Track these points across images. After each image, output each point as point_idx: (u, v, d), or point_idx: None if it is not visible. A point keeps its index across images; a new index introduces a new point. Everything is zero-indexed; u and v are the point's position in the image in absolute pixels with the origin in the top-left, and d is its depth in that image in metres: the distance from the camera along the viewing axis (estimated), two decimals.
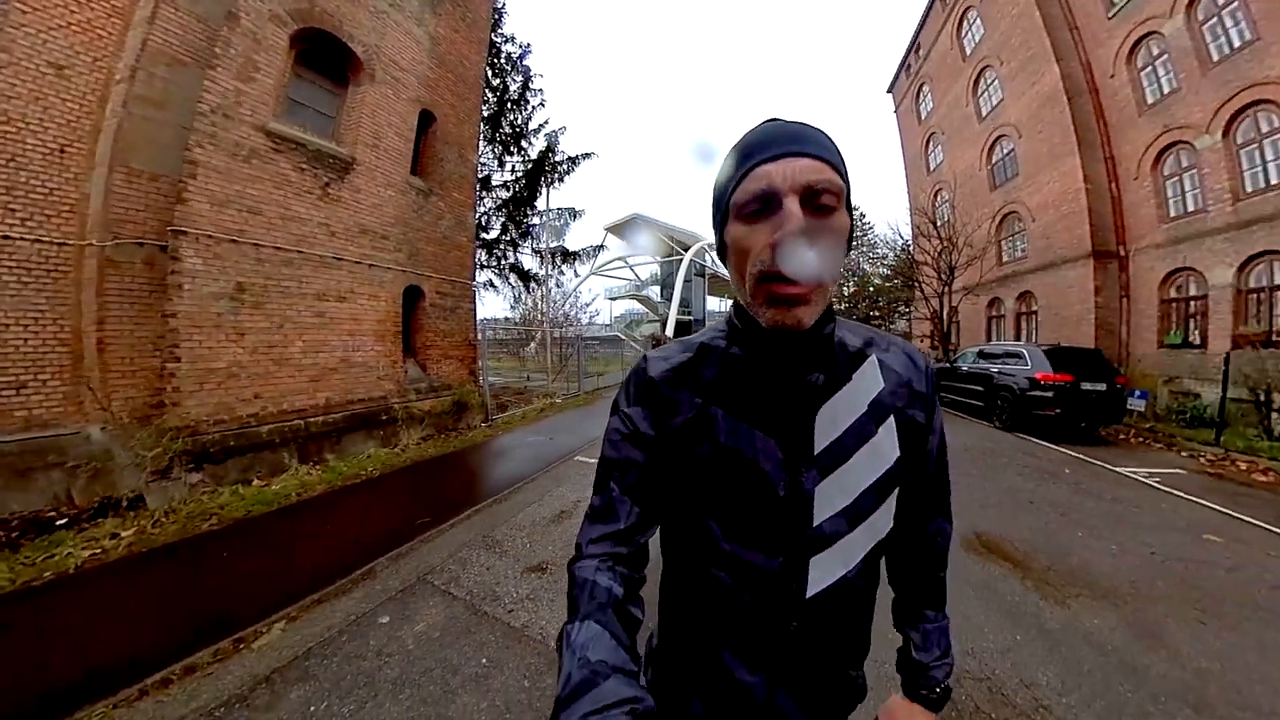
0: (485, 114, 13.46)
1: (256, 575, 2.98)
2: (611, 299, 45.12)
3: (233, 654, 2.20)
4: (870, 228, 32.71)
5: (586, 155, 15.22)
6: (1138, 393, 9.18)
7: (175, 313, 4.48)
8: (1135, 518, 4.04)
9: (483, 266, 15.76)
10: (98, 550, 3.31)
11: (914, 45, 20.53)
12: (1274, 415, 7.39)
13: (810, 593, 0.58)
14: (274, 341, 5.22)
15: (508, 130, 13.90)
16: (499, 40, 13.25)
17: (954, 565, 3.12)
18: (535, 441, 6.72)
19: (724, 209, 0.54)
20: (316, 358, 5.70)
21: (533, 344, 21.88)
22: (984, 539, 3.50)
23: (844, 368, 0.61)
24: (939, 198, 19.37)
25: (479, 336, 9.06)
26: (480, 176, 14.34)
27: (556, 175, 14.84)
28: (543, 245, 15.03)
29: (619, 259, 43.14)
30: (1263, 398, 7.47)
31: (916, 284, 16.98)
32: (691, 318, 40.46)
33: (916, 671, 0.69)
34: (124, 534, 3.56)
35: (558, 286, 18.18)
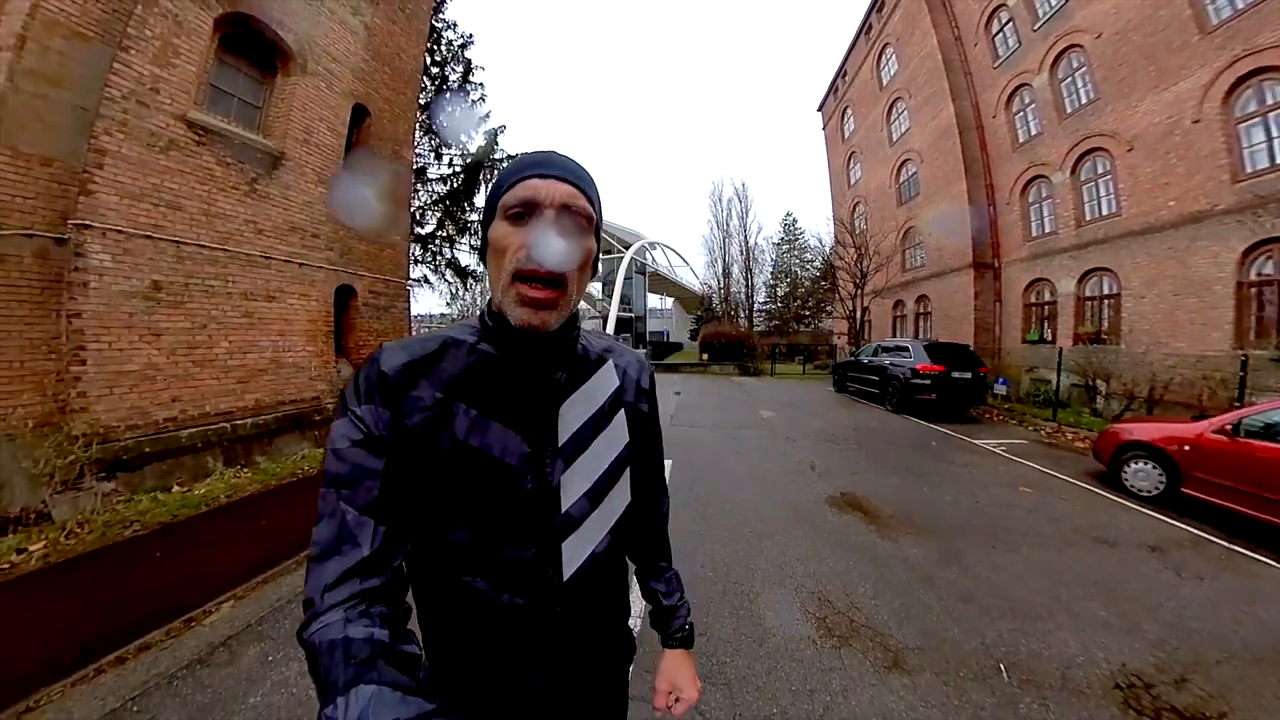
0: (422, 102, 13.04)
1: (196, 569, 3.01)
2: None
3: (185, 631, 2.34)
4: (801, 233, 35.45)
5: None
6: (1000, 380, 11.26)
7: (80, 312, 4.18)
8: (974, 476, 5.09)
9: (418, 262, 15.21)
10: (3, 566, 3.13)
11: (841, 71, 22.43)
12: (1097, 397, 9.28)
13: (567, 575, 0.61)
14: (196, 342, 4.97)
15: (446, 121, 13.54)
16: (440, 26, 12.88)
17: (815, 517, 3.84)
18: None
19: (492, 210, 0.59)
20: (244, 359, 5.47)
21: None
22: (847, 497, 4.35)
23: (587, 368, 0.67)
24: (857, 210, 21.45)
25: (413, 335, 8.90)
26: (416, 168, 13.84)
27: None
28: (480, 241, 14.88)
29: None
30: (1090, 383, 9.34)
31: (834, 287, 19.02)
32: (632, 314, 41.37)
33: (669, 616, 0.80)
34: (32, 548, 3.37)
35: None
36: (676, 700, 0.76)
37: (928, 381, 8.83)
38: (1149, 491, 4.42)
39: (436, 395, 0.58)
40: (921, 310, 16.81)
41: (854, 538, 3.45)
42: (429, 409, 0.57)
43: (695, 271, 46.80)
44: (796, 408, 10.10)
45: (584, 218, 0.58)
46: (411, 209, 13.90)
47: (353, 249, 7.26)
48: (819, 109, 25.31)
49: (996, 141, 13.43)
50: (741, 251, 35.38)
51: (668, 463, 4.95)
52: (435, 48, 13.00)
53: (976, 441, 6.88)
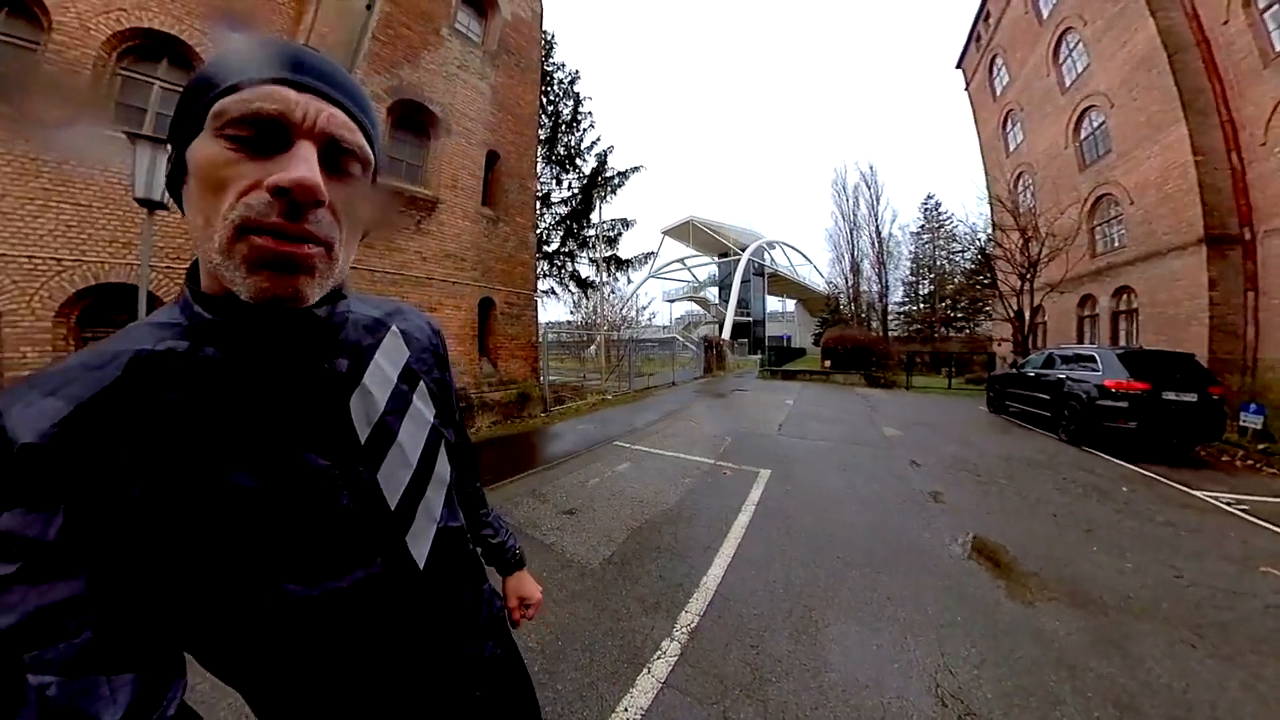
0: (542, 137, 14.73)
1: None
2: (670, 301, 46.18)
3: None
4: (947, 218, 30.16)
5: (635, 169, 16.17)
6: (1252, 407, 7.56)
7: None
8: (1179, 542, 3.55)
9: (545, 276, 17.18)
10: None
11: (982, 12, 18.79)
12: None
13: (421, 565, 0.54)
14: None
15: (563, 151, 15.13)
16: (550, 69, 14.50)
17: (923, 554, 3.35)
18: (584, 429, 7.57)
19: (193, 115, 0.39)
20: None
21: (593, 346, 23.01)
22: (975, 540, 3.43)
23: (367, 346, 0.54)
24: (1020, 182, 17.69)
25: (540, 339, 10.11)
26: (541, 194, 15.72)
27: (610, 188, 15.87)
28: (597, 255, 16.11)
29: (677, 261, 43.91)
30: None
31: (993, 282, 15.67)
32: (750, 318, 40.03)
33: (501, 550, 0.87)
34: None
35: (612, 292, 19.22)
36: (528, 607, 0.87)
37: (1122, 404, 6.40)
38: None
39: (153, 451, 0.38)
40: (1122, 308, 13.00)
41: (971, 589, 2.72)
42: (146, 476, 0.37)
43: (819, 270, 43.57)
44: (931, 428, 8.31)
45: (358, 161, 0.43)
46: (538, 230, 15.89)
47: (491, 268, 8.68)
48: (958, 66, 21.29)
49: (1233, 59, 9.68)
50: (872, 244, 31.47)
51: (764, 472, 4.91)
52: (549, 89, 14.63)
53: (1197, 493, 4.84)
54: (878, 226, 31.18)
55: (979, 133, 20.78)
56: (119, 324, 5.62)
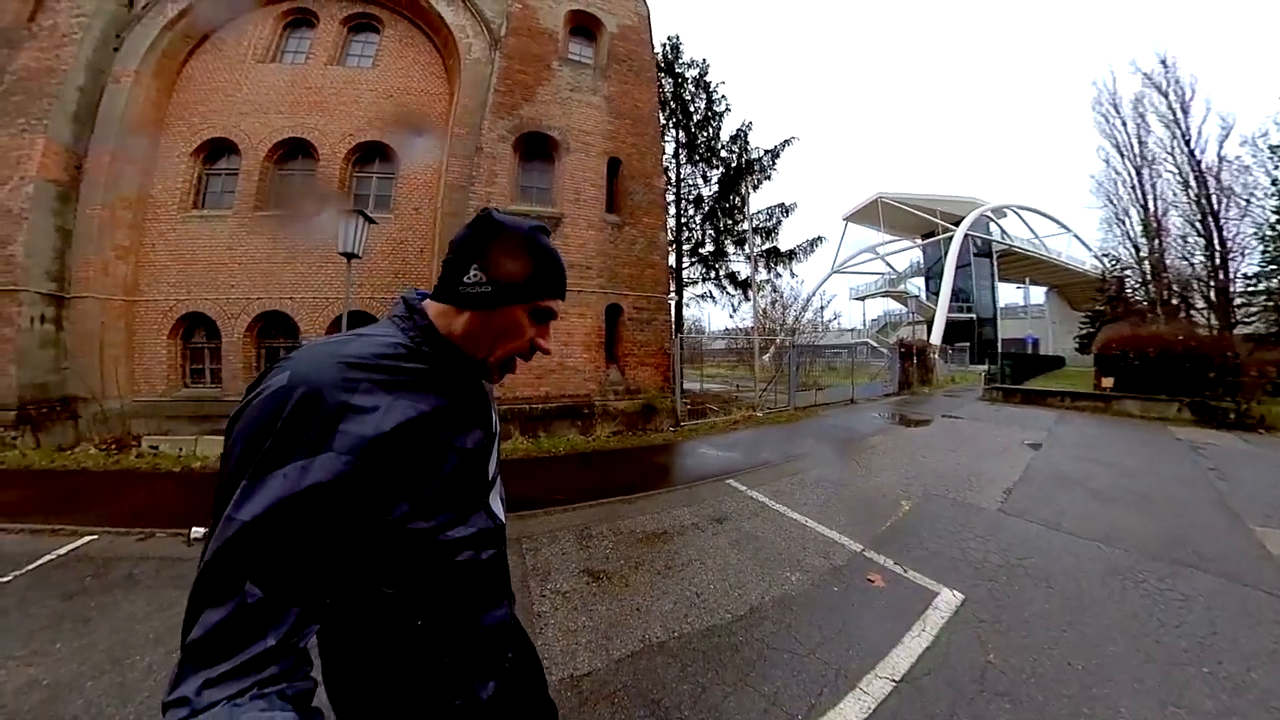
0: (682, 139, 14.56)
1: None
2: (859, 299, 39.51)
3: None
4: None
5: (786, 143, 14.36)
6: None
7: None
8: None
9: (703, 280, 16.91)
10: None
11: None
12: None
13: (502, 520, 0.79)
14: None
15: (703, 149, 14.70)
16: (681, 68, 14.18)
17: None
18: (705, 453, 6.60)
19: (527, 294, 0.68)
20: (541, 362, 7.76)
21: (768, 353, 21.24)
22: None
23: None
24: None
25: (675, 345, 9.71)
26: (691, 197, 15.60)
27: (760, 172, 14.51)
28: (752, 250, 14.90)
29: (866, 251, 37.87)
30: None
31: None
32: (973, 315, 31.09)
33: None
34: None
35: (774, 290, 17.52)
36: None
37: None
38: None
39: (419, 418, 0.60)
40: None
41: None
42: (412, 437, 0.59)
43: (1083, 240, 30.74)
44: None
45: None
46: (690, 233, 15.80)
47: (618, 273, 8.99)
48: None
49: None
50: (1186, 182, 18.36)
51: (948, 596, 2.66)
52: (681, 88, 14.25)
53: None
54: (1191, 152, 17.97)
55: None
56: (279, 338, 8.40)
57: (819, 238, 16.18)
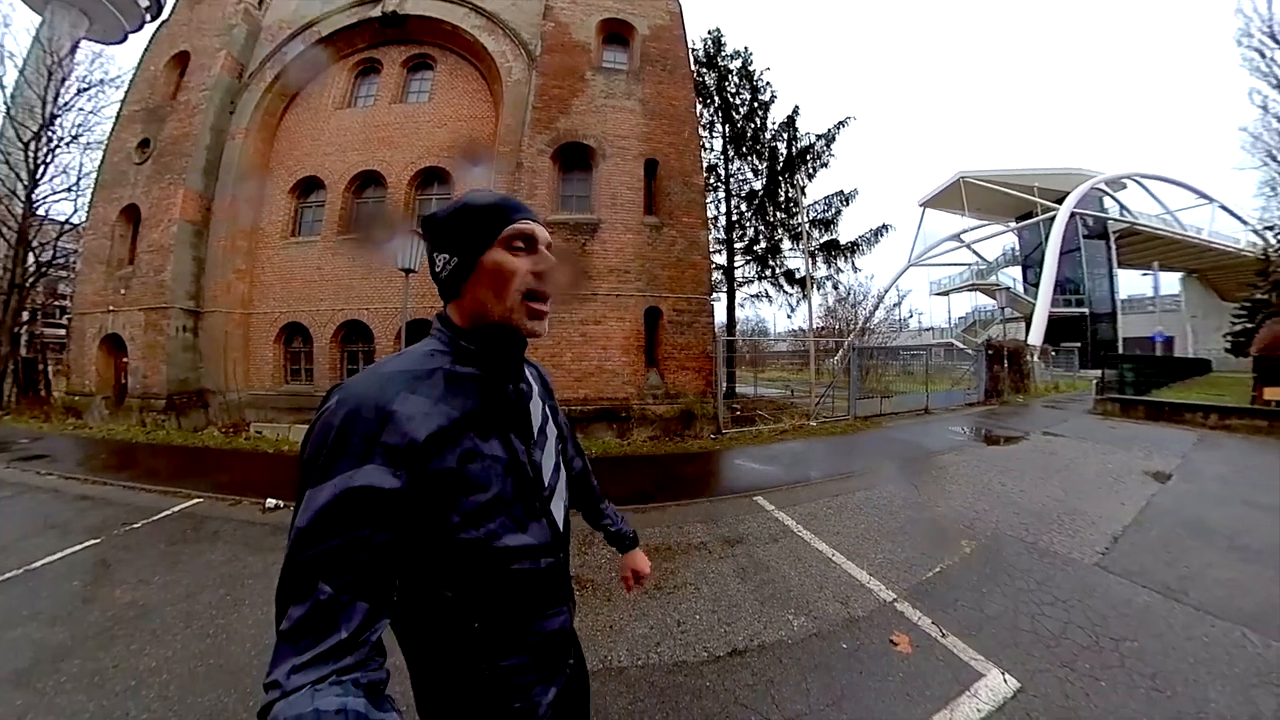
0: (729, 133, 14.10)
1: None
2: (941, 294, 35.25)
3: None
4: None
5: (841, 124, 13.34)
6: None
7: None
8: None
9: (758, 278, 16.23)
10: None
11: None
12: None
13: (562, 528, 0.78)
14: (555, 353, 7.82)
15: (750, 142, 14.18)
16: (723, 61, 13.72)
17: None
18: (743, 465, 6.18)
19: (481, 238, 0.68)
20: (579, 365, 8.04)
21: (837, 356, 19.90)
22: None
23: (528, 374, 0.83)
24: None
25: (717, 348, 9.23)
26: (744, 193, 15.07)
27: (816, 159, 13.63)
28: (806, 244, 14.00)
29: (949, 239, 34.17)
30: None
31: None
32: (1085, 309, 26.79)
33: (620, 535, 1.12)
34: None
35: (835, 288, 16.40)
36: (639, 579, 1.12)
37: None
38: None
39: (458, 428, 0.62)
40: None
41: None
42: (449, 440, 0.61)
43: (1234, 212, 25.56)
44: None
45: (551, 250, 0.76)
46: (742, 230, 15.31)
47: (657, 275, 9.01)
48: None
49: None
50: None
51: (1009, 682, 1.97)
52: (725, 81, 13.81)
53: None
54: None
55: None
56: (358, 344, 9.46)
57: (884, 226, 14.84)
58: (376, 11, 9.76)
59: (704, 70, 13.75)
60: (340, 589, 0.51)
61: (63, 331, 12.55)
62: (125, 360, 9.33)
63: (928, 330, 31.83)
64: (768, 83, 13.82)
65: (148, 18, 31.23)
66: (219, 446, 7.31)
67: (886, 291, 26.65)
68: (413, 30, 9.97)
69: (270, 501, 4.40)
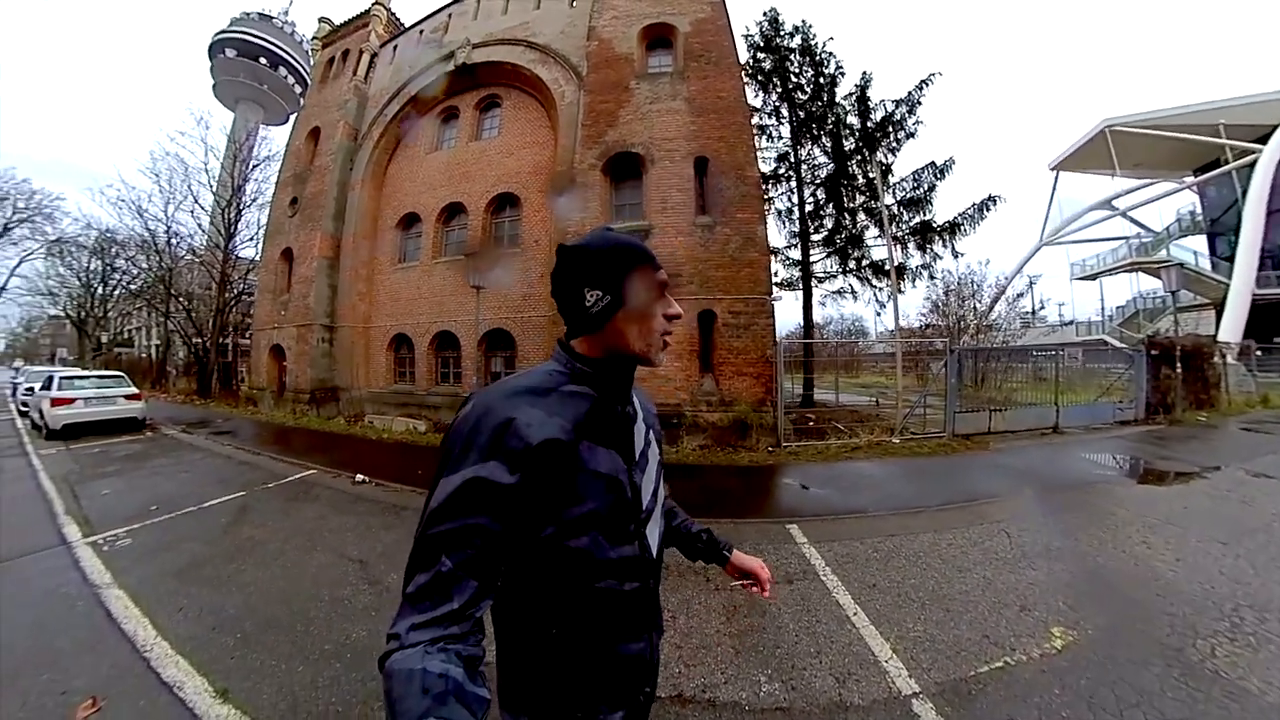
0: (797, 117, 13.07)
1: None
2: (1086, 277, 28.41)
3: None
4: None
5: (924, 83, 11.58)
6: None
7: None
8: None
9: (840, 272, 14.80)
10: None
11: None
12: None
13: (654, 554, 0.80)
14: None
15: (815, 127, 13.03)
16: (782, 40, 12.82)
17: None
18: (789, 485, 5.54)
19: (623, 278, 0.72)
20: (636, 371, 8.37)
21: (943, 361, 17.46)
22: None
23: (633, 401, 0.85)
24: None
25: (777, 353, 8.47)
26: (819, 179, 13.85)
27: (898, 129, 12.05)
28: (888, 229, 12.23)
29: (1098, 207, 27.69)
30: None
31: None
32: None
33: (715, 545, 1.09)
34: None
35: (931, 277, 14.29)
36: (755, 583, 1.07)
37: None
38: None
39: (568, 438, 0.66)
40: None
41: None
42: (561, 451, 0.65)
43: None
44: None
45: None
46: (818, 220, 14.19)
47: (710, 277, 8.86)
48: None
49: None
50: None
51: None
52: (786, 62, 12.85)
53: None
54: None
55: None
56: (449, 351, 10.84)
57: (991, 198, 12.43)
58: (451, 65, 11.51)
59: (762, 56, 13.00)
60: (458, 564, 0.58)
61: (248, 342, 16.80)
62: (284, 364, 12.52)
63: (1068, 325, 26.02)
64: (830, 53, 12.50)
65: (302, 101, 39.64)
66: (341, 432, 9.22)
67: (1011, 279, 22.53)
68: (481, 76, 11.55)
69: (359, 476, 5.50)
